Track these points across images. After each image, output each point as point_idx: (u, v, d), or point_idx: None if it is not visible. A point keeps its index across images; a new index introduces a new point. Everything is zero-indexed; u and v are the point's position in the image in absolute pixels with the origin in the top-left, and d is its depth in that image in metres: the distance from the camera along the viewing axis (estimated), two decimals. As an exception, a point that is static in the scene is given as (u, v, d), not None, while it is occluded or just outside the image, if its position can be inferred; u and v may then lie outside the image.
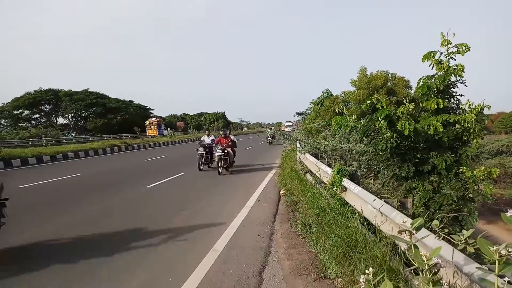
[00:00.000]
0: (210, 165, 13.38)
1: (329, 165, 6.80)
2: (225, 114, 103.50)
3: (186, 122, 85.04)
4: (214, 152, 12.44)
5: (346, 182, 5.05)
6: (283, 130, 70.10)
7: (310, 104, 26.16)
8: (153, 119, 49.35)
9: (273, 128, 39.60)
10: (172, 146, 32.92)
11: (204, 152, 13.00)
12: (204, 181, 10.77)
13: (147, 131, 47.11)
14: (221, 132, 12.95)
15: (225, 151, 12.10)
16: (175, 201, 8.02)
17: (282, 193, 8.52)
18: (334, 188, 5.33)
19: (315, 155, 8.43)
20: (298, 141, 11.93)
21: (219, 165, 11.81)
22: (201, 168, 12.94)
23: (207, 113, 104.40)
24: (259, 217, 6.51)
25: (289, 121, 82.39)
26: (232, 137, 13.09)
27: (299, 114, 32.63)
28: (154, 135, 46.29)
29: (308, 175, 8.59)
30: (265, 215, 6.63)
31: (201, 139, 14.07)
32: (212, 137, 14.05)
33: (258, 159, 17.67)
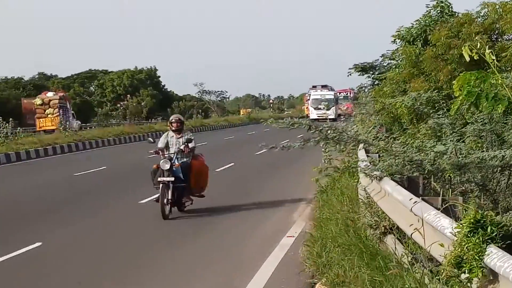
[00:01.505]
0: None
1: (448, 210, 4.31)
2: (157, 73, 63.87)
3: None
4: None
5: (496, 256, 3.10)
6: (305, 116, 46.72)
7: (395, 42, 13.82)
8: (49, 93, 32.50)
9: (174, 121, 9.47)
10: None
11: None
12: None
13: (37, 120, 31.81)
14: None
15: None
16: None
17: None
18: (463, 277, 3.31)
19: (409, 183, 5.55)
20: (361, 146, 7.40)
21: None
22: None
23: (107, 71, 62.93)
24: None
25: (325, 86, 54.54)
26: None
27: (363, 69, 16.57)
28: (52, 129, 28.92)
29: (389, 238, 5.55)
30: None
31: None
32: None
33: (254, 195, 10.99)
